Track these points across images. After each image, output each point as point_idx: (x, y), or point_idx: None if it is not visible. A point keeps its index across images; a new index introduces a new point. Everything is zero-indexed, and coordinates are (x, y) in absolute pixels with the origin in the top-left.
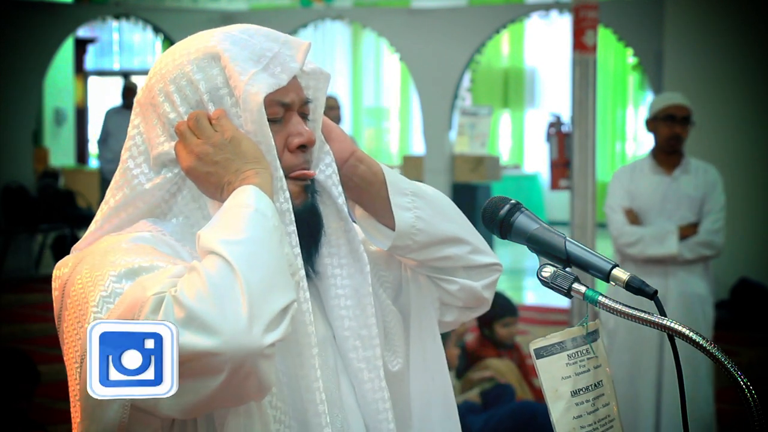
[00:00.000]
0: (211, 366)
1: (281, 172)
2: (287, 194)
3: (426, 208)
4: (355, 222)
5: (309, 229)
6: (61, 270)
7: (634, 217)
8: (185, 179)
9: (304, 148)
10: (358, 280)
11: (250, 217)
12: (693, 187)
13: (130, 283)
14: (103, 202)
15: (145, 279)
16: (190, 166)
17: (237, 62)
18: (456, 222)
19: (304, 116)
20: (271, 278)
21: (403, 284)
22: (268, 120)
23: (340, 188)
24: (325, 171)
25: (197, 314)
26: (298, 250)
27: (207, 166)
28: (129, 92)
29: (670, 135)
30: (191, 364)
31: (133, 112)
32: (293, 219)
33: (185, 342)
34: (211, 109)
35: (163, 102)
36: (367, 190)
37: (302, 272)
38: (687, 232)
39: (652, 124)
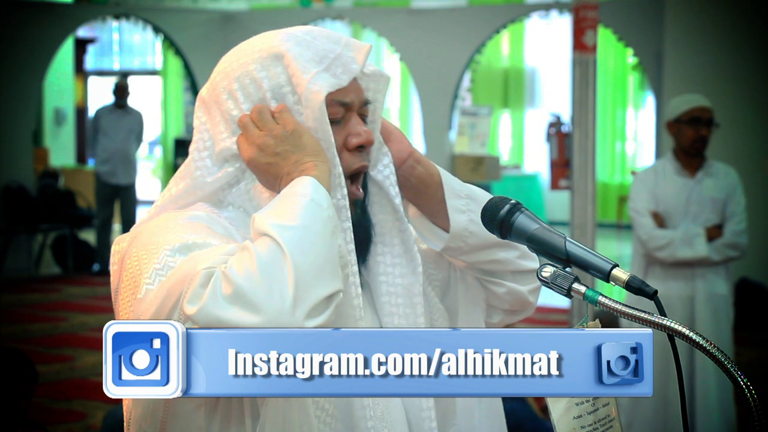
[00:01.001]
0: None
1: (340, 169)
2: (345, 191)
3: (479, 211)
4: (408, 221)
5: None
6: (120, 245)
7: (659, 220)
8: (245, 173)
9: (362, 148)
10: (410, 279)
11: (305, 206)
12: (716, 189)
13: (182, 257)
14: (165, 189)
15: (198, 254)
16: (251, 157)
17: (300, 62)
18: None
19: (363, 117)
20: (320, 265)
21: (452, 283)
22: (331, 120)
23: (397, 188)
24: (383, 171)
25: (244, 291)
26: (352, 246)
27: (267, 157)
28: (120, 91)
29: (696, 138)
30: None
31: (197, 109)
32: (349, 215)
33: (231, 317)
34: (274, 106)
35: (226, 99)
36: (423, 191)
37: (355, 267)
38: (713, 234)
39: (674, 126)
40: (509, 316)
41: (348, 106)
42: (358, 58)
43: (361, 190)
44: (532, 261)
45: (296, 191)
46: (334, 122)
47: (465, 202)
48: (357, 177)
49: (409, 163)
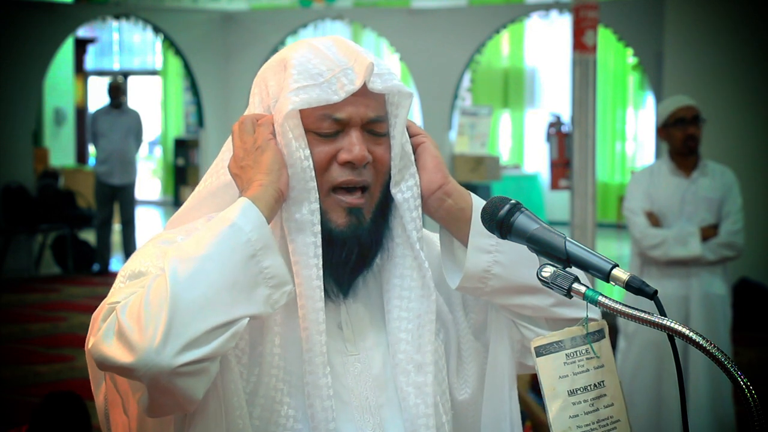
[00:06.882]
0: (132, 379)
1: (313, 184)
2: (315, 206)
3: (510, 253)
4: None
5: (347, 253)
6: None
7: (654, 220)
8: None
9: (352, 164)
10: (423, 306)
11: (221, 232)
12: (711, 189)
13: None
14: (197, 187)
15: (126, 285)
16: (229, 165)
17: (296, 72)
18: None
19: (374, 133)
20: (213, 295)
21: (488, 321)
22: (320, 134)
23: (415, 213)
24: (405, 193)
25: (124, 330)
26: (316, 260)
27: (237, 168)
28: (115, 91)
29: (685, 137)
30: (120, 375)
31: None
32: (318, 230)
33: (111, 355)
34: None
35: (251, 103)
36: (453, 225)
37: (318, 281)
38: (707, 233)
39: (663, 131)
40: None
41: (343, 122)
42: (360, 75)
43: (362, 198)
44: (569, 309)
45: (224, 215)
46: (326, 136)
47: (495, 242)
48: (353, 189)
49: (437, 195)
